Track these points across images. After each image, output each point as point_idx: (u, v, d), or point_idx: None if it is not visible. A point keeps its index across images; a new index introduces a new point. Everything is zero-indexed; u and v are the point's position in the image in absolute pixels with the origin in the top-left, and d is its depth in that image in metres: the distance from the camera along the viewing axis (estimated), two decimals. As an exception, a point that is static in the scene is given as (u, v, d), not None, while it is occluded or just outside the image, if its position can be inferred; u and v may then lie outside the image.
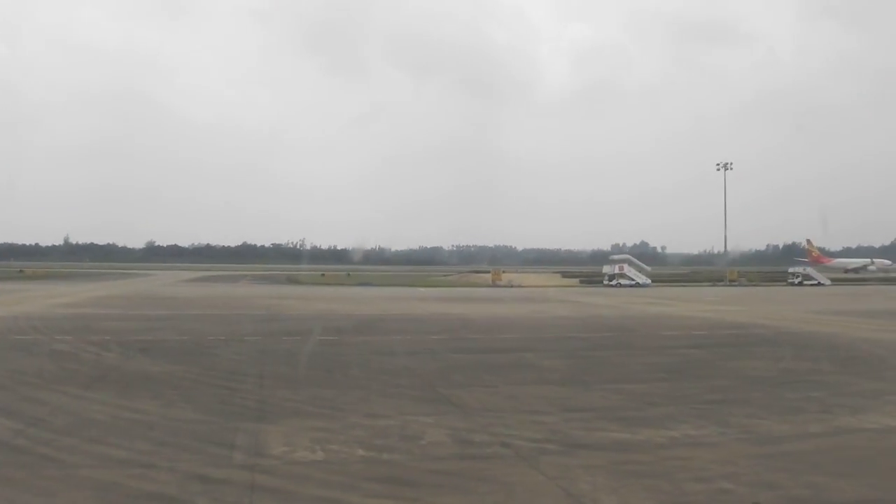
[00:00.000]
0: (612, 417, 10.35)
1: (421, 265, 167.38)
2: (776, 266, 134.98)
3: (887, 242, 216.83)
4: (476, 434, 9.19)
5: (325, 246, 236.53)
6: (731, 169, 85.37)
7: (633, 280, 75.66)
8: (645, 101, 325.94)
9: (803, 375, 14.54)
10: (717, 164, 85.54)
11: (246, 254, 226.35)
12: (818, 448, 8.71)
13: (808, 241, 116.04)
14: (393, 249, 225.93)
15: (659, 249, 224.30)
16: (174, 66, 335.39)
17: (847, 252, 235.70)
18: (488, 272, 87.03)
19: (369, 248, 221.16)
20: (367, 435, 8.85)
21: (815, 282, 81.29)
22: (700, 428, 9.69)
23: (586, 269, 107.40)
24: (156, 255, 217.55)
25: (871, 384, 13.33)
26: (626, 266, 78.36)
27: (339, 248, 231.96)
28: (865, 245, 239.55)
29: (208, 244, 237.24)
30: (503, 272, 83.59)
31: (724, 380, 14.11)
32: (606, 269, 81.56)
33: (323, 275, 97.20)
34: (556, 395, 12.35)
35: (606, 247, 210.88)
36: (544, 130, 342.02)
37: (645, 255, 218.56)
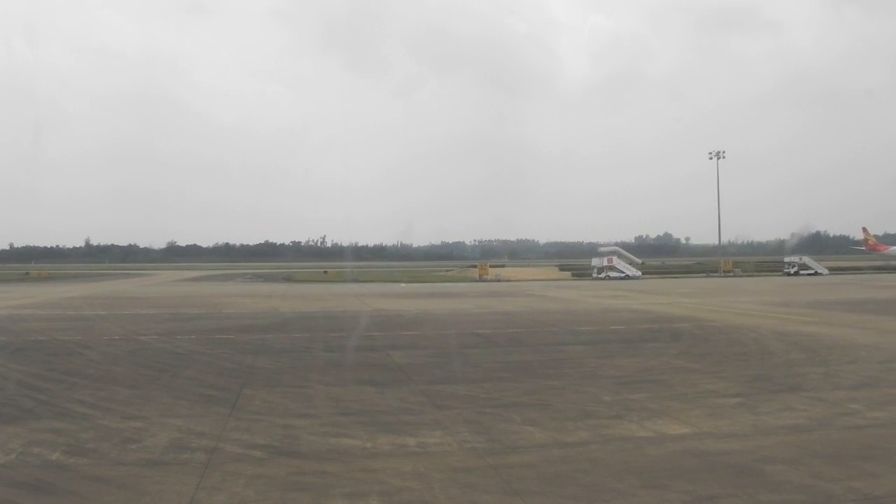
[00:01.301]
0: (371, 422, 9.78)
1: (441, 260, 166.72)
2: (800, 254, 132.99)
3: None
4: (201, 439, 8.82)
5: (346, 243, 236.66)
6: (724, 158, 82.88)
7: (622, 272, 74.46)
8: (667, 90, 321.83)
9: (657, 374, 13.75)
10: (710, 154, 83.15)
11: (265, 252, 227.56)
12: (546, 459, 8.03)
13: (864, 230, 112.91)
14: (415, 245, 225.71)
15: (683, 240, 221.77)
16: (194, 67, 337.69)
17: (886, 238, 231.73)
18: (501, 266, 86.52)
19: (391, 244, 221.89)
20: (90, 437, 8.82)
21: (812, 271, 79.30)
22: (450, 434, 9.06)
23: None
24: (175, 255, 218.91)
25: (713, 384, 12.60)
26: (615, 258, 77.22)
27: (360, 244, 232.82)
28: (892, 232, 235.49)
29: (227, 243, 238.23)
30: (491, 267, 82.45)
31: (561, 380, 13.34)
32: (595, 261, 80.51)
33: (325, 272, 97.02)
34: (350, 395, 11.87)
35: (630, 238, 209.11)
36: (566, 122, 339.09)
37: (667, 246, 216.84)
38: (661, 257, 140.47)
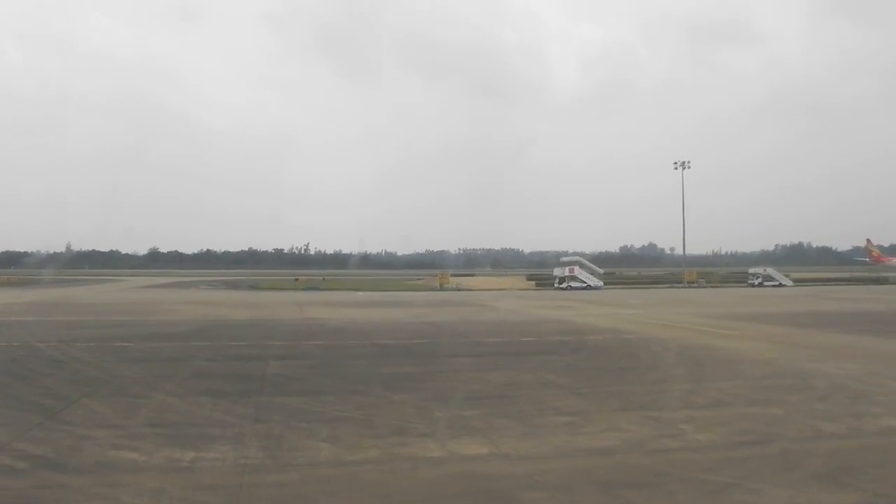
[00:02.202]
0: (170, 434, 9.28)
1: (423, 269, 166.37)
2: (780, 266, 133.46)
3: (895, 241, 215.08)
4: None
5: (330, 250, 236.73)
6: (689, 168, 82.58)
7: (584, 282, 74.02)
8: (655, 101, 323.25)
9: (514, 390, 13.18)
10: (675, 163, 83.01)
11: (247, 259, 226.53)
12: (304, 479, 7.57)
13: (868, 241, 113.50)
14: (399, 254, 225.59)
15: (667, 250, 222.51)
16: (183, 72, 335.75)
17: (856, 251, 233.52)
18: (470, 275, 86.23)
19: (376, 252, 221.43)
20: None
21: (777, 283, 79.22)
22: (235, 450, 8.57)
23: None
24: (157, 261, 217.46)
25: (563, 401, 12.09)
26: (576, 268, 76.76)
27: (344, 252, 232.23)
28: (875, 244, 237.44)
29: (208, 250, 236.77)
30: (455, 276, 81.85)
31: (413, 394, 12.72)
32: (557, 271, 79.91)
33: (296, 279, 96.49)
34: (180, 407, 11.30)
35: (615, 248, 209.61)
36: (554, 132, 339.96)
37: (649, 256, 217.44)
38: (642, 267, 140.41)
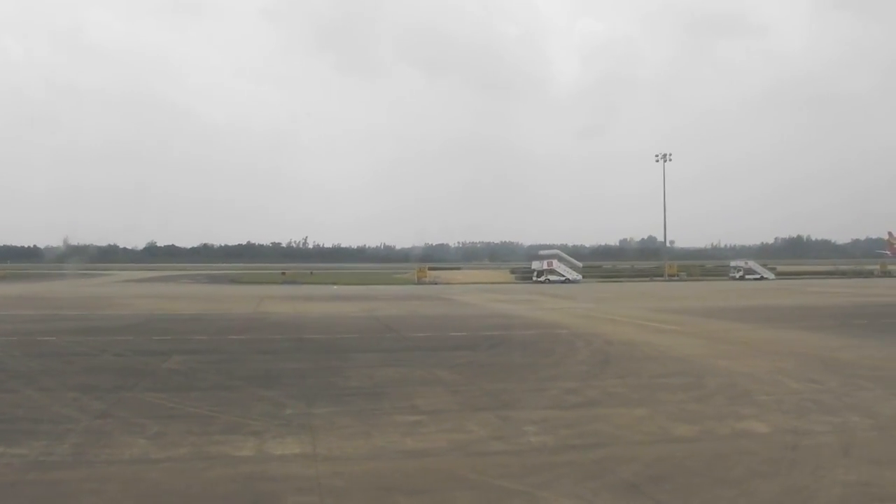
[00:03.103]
0: (6, 429, 9.09)
1: (420, 262, 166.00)
2: (778, 259, 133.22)
3: None
4: None
5: (328, 244, 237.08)
6: (671, 160, 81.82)
7: (562, 276, 73.49)
8: (656, 95, 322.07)
9: (392, 387, 12.79)
10: (656, 156, 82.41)
11: (244, 253, 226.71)
12: (81, 478, 7.18)
13: (890, 234, 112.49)
14: (398, 247, 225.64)
15: (668, 243, 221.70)
16: (181, 66, 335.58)
17: (856, 244, 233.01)
18: (457, 269, 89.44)
19: (374, 245, 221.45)
20: None
21: (758, 276, 78.69)
22: (24, 448, 8.15)
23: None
24: (154, 255, 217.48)
25: (431, 399, 11.80)
26: (555, 262, 76.08)
27: (342, 246, 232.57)
28: (874, 237, 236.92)
29: (206, 244, 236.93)
30: (430, 269, 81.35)
31: (287, 389, 12.45)
32: (535, 264, 79.26)
33: (283, 273, 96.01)
34: (32, 402, 11.22)
35: (615, 242, 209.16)
36: (554, 125, 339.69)
37: (648, 249, 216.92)
38: (640, 260, 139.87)
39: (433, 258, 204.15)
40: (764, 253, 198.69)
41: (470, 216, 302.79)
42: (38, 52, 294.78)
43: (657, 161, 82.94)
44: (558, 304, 38.12)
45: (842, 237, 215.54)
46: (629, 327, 23.51)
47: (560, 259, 78.56)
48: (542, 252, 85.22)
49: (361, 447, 8.49)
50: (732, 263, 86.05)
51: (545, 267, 76.19)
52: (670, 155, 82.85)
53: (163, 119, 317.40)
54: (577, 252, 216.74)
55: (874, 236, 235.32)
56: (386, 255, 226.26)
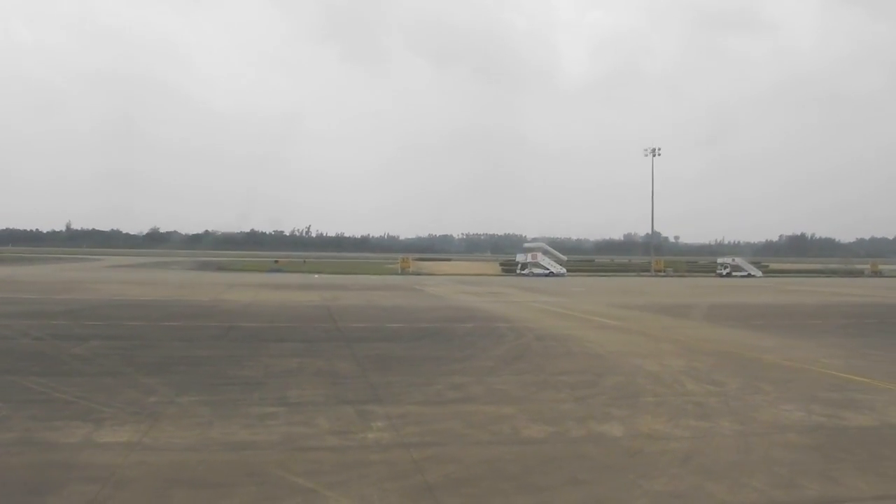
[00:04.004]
0: None
1: (422, 252, 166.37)
2: (781, 257, 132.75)
3: None
4: None
5: (332, 233, 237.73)
6: (660, 155, 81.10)
7: (546, 269, 73.16)
8: (663, 89, 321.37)
9: (285, 377, 12.62)
10: (645, 150, 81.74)
11: (246, 241, 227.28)
12: None
13: None
14: (402, 237, 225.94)
15: (672, 239, 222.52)
16: (189, 52, 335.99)
17: (860, 243, 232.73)
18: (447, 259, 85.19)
19: (378, 235, 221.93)
20: None
21: (745, 273, 78.17)
22: None
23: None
24: (156, 241, 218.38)
25: (296, 391, 11.55)
26: (539, 255, 75.79)
27: (346, 235, 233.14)
28: (879, 236, 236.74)
29: (207, 231, 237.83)
30: (413, 260, 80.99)
31: (167, 377, 12.16)
32: (520, 257, 78.94)
33: (276, 262, 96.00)
34: None
35: (619, 236, 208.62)
36: (561, 118, 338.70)
37: (650, 244, 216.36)
38: (644, 255, 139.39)
39: (435, 249, 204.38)
40: (768, 250, 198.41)
41: (475, 208, 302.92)
42: (43, 37, 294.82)
43: (646, 155, 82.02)
44: (524, 297, 37.76)
45: (846, 236, 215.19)
46: (574, 322, 23.15)
47: (545, 252, 78.26)
48: (526, 245, 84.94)
49: (190, 438, 8.25)
50: (719, 260, 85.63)
51: (529, 260, 75.87)
52: (659, 150, 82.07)
53: (168, 105, 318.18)
54: (579, 246, 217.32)
55: (879, 236, 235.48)
56: (388, 245, 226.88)
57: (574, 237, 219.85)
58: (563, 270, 75.62)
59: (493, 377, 12.70)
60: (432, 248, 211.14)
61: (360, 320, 22.98)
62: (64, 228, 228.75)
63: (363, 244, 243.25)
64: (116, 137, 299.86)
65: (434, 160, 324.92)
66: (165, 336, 18.05)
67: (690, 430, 8.96)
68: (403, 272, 73.00)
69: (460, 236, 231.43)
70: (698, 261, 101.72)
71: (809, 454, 7.94)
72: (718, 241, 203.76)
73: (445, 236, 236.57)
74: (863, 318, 27.13)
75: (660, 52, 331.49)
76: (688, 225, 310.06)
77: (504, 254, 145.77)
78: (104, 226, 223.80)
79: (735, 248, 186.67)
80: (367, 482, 6.77)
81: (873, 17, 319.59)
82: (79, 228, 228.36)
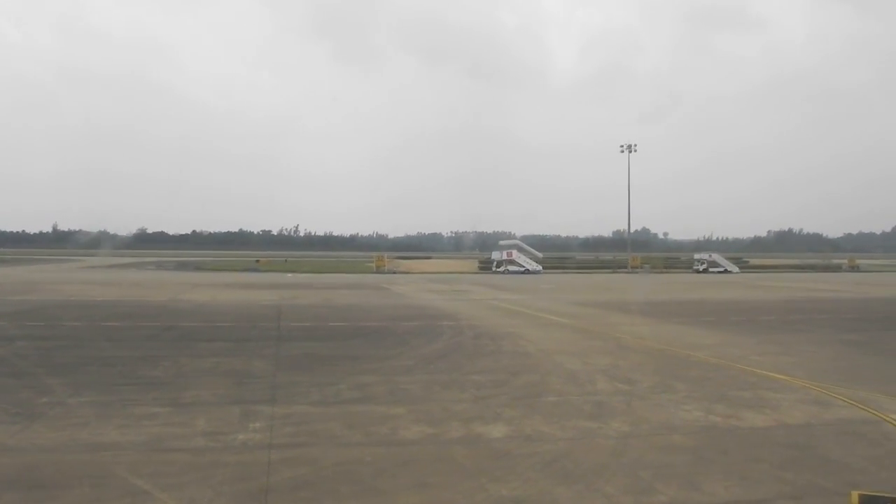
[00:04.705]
0: None
1: (410, 251, 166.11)
2: (769, 252, 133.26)
3: (888, 229, 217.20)
4: None
5: (320, 233, 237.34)
6: (635, 151, 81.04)
7: (522, 266, 73.07)
8: (653, 86, 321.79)
9: (179, 377, 12.53)
10: (621, 147, 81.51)
11: (234, 241, 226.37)
12: None
13: None
14: (390, 236, 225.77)
15: (660, 235, 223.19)
16: (176, 50, 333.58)
17: (848, 238, 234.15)
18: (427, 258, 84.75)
19: (367, 234, 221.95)
20: None
21: (722, 269, 78.28)
22: None
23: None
24: (144, 242, 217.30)
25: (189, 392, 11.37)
26: (514, 252, 75.68)
27: (334, 234, 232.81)
28: (867, 231, 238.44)
29: (195, 231, 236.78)
30: (388, 258, 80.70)
31: (68, 378, 11.96)
32: (495, 255, 78.83)
33: (258, 261, 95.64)
34: None
35: (608, 233, 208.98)
36: (552, 116, 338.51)
37: (637, 241, 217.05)
38: (632, 252, 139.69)
39: (423, 247, 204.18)
40: (755, 246, 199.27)
41: (465, 206, 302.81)
42: (33, 36, 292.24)
43: (622, 152, 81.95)
44: (487, 294, 37.70)
45: (834, 231, 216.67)
46: (523, 319, 23.14)
47: (520, 250, 78.21)
48: (502, 243, 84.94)
49: (57, 439, 8.16)
50: (696, 256, 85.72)
51: (504, 258, 75.76)
52: (635, 146, 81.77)
53: (156, 104, 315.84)
54: (568, 243, 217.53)
55: (866, 231, 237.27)
56: (376, 244, 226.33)
57: (563, 234, 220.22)
58: (539, 268, 75.61)
59: (405, 377, 12.50)
60: (420, 247, 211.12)
61: (304, 319, 22.73)
62: (50, 229, 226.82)
63: (351, 243, 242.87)
64: (104, 137, 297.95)
65: (424, 159, 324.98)
66: (98, 336, 17.73)
67: (575, 431, 8.80)
68: (379, 270, 72.70)
69: (449, 234, 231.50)
70: (680, 257, 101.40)
71: (684, 457, 7.80)
72: (707, 237, 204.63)
73: (434, 234, 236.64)
74: (817, 313, 26.95)
75: (649, 51, 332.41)
76: (678, 222, 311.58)
77: (490, 251, 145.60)
78: (92, 226, 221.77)
79: (723, 244, 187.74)
80: (207, 484, 6.64)
81: (860, 14, 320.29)
82: (66, 229, 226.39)
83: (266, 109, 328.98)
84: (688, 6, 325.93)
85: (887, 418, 9.61)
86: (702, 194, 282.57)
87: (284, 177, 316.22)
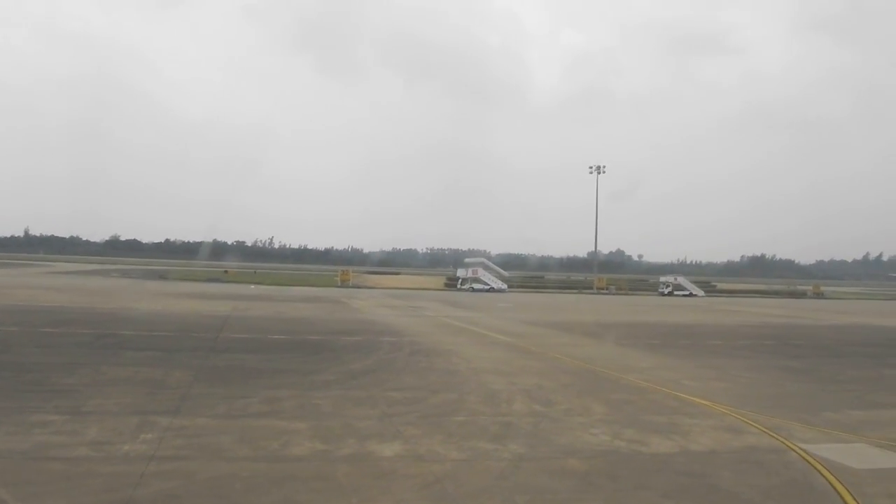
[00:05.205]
0: None
1: (386, 266, 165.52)
2: (742, 277, 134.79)
3: (859, 257, 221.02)
4: None
5: (295, 245, 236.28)
6: (604, 172, 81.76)
7: (487, 284, 73.13)
8: (633, 110, 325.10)
9: (86, 386, 12.26)
10: (590, 168, 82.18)
11: (204, 250, 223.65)
12: None
13: None
14: (366, 251, 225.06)
15: (635, 257, 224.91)
16: (155, 57, 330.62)
17: (820, 265, 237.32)
18: (397, 273, 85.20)
19: (342, 248, 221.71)
20: None
21: (687, 292, 78.88)
22: None
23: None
24: (116, 249, 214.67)
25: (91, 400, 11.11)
26: (479, 270, 75.74)
27: (309, 247, 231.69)
28: (839, 259, 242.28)
29: (167, 239, 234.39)
30: (353, 273, 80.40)
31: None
32: (460, 272, 78.77)
33: (226, 272, 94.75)
34: None
35: (583, 254, 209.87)
36: (530, 136, 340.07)
37: (611, 263, 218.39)
38: (607, 273, 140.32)
39: (397, 262, 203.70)
40: (729, 270, 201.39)
41: (441, 222, 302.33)
42: (7, 38, 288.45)
43: (590, 173, 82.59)
44: (442, 311, 37.71)
45: (807, 258, 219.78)
46: (467, 338, 23.21)
47: (485, 268, 78.25)
48: (467, 260, 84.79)
49: None
50: (662, 279, 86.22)
51: (470, 275, 75.76)
52: (604, 167, 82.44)
53: (134, 110, 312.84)
54: (544, 263, 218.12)
55: (838, 258, 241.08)
56: (350, 258, 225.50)
57: (540, 254, 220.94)
58: (504, 286, 75.70)
59: (321, 392, 12.41)
60: (395, 262, 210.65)
61: (247, 332, 22.55)
62: (22, 234, 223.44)
63: (326, 256, 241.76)
64: (79, 142, 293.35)
65: (402, 175, 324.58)
66: (28, 342, 17.56)
67: (470, 452, 8.74)
68: (343, 284, 72.28)
69: (425, 251, 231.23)
70: (648, 279, 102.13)
71: (571, 482, 7.75)
72: (681, 260, 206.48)
73: (410, 250, 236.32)
74: (765, 339, 27.19)
75: (630, 74, 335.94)
76: (655, 245, 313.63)
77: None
78: (64, 232, 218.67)
79: (697, 268, 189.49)
80: (69, 495, 6.57)
81: (839, 44, 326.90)
82: (38, 234, 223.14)
83: (245, 120, 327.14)
84: (668, 34, 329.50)
85: (795, 447, 9.56)
86: (678, 219, 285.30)
87: (261, 188, 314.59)
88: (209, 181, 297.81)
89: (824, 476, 8.19)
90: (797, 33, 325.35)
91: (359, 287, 69.79)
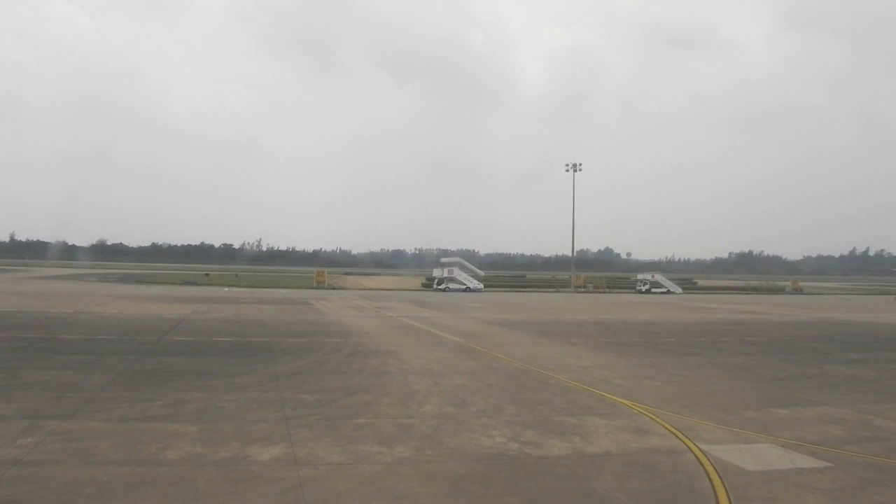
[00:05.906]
0: None
1: (374, 267, 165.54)
2: (730, 273, 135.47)
3: (846, 252, 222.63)
4: None
5: (283, 247, 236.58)
6: (581, 170, 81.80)
7: (463, 284, 73.04)
8: (619, 108, 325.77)
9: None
10: (566, 166, 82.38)
11: (193, 254, 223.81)
12: None
13: None
14: (354, 252, 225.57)
15: (623, 255, 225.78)
16: (146, 63, 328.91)
17: (807, 261, 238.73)
18: (376, 275, 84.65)
19: (330, 249, 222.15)
20: None
21: (665, 290, 78.95)
22: None
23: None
24: (102, 253, 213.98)
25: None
26: (455, 270, 75.68)
27: (297, 249, 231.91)
28: (825, 255, 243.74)
29: (154, 244, 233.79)
30: (328, 274, 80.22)
31: None
32: (436, 272, 78.66)
33: (207, 275, 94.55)
34: None
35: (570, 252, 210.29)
36: (517, 136, 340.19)
37: (599, 261, 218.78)
38: (594, 271, 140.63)
39: (385, 264, 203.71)
40: (717, 267, 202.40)
41: (430, 224, 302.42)
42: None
43: (567, 171, 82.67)
44: (406, 311, 37.89)
45: (795, 254, 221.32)
46: (417, 338, 23.57)
47: (462, 267, 78.16)
48: (443, 260, 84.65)
49: None
50: (639, 276, 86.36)
51: (446, 275, 75.64)
52: (580, 165, 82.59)
53: (120, 117, 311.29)
54: (532, 262, 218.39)
55: (825, 254, 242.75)
56: (338, 260, 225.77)
57: (528, 253, 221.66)
58: (480, 286, 75.71)
59: (234, 394, 12.39)
60: (383, 263, 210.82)
61: (193, 334, 22.47)
62: (8, 239, 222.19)
63: (313, 258, 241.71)
64: (66, 149, 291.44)
65: (391, 176, 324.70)
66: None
67: (353, 455, 8.69)
68: (318, 286, 72.15)
69: (413, 252, 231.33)
70: (630, 277, 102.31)
71: (439, 487, 7.63)
72: (669, 257, 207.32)
73: (398, 251, 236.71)
74: (722, 336, 27.23)
75: (615, 72, 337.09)
76: (643, 242, 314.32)
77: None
78: (50, 237, 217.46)
79: (685, 265, 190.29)
80: None
81: (822, 40, 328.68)
82: (24, 239, 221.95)
83: (232, 124, 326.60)
84: (654, 32, 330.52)
85: (695, 449, 9.46)
86: (668, 217, 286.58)
87: (251, 192, 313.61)
88: (196, 186, 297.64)
89: (711, 479, 8.09)
90: (780, 30, 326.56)
91: (334, 288, 69.69)
